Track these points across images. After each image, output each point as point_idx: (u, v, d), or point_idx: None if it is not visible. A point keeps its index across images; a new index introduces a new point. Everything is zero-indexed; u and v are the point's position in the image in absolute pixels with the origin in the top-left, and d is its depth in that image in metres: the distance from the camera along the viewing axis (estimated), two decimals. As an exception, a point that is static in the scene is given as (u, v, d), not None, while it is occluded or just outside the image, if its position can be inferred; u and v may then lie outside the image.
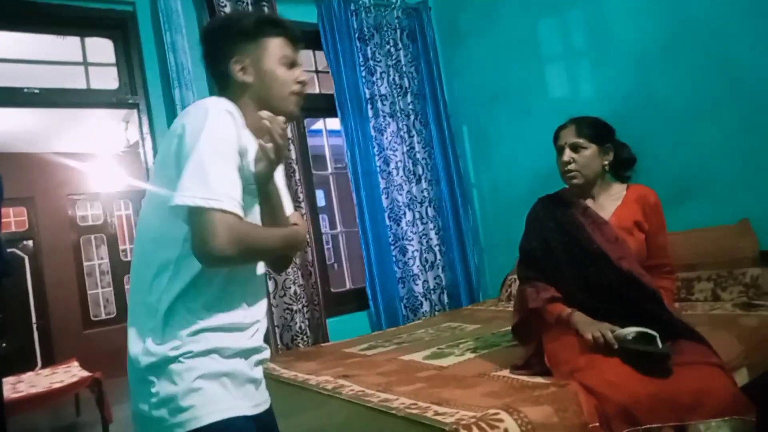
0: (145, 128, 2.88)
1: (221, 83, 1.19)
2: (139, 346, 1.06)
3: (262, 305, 1.19)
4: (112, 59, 2.99)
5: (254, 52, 1.16)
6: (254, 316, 1.15)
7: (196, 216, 0.95)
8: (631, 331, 1.51)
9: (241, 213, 0.99)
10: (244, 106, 1.14)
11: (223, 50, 1.16)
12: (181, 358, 1.02)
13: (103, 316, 7.01)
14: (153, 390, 1.02)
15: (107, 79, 3.01)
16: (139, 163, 2.98)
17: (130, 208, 7.33)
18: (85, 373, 3.72)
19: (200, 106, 1.04)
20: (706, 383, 1.42)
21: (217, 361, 1.05)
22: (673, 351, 1.48)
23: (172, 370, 1.01)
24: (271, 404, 1.23)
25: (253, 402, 1.12)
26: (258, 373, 1.16)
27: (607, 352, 1.53)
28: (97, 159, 6.75)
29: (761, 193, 2.37)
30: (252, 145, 1.12)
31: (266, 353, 1.19)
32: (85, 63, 3.06)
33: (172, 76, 2.77)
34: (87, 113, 5.14)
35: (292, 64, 1.20)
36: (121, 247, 7.24)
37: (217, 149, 0.99)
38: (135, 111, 2.93)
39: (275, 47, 1.18)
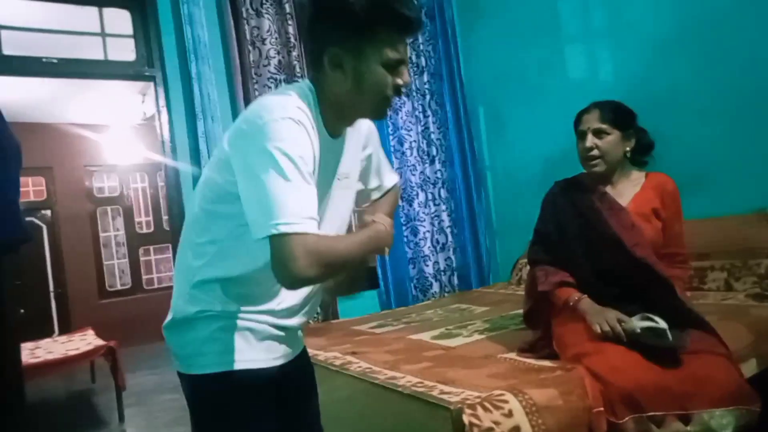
0: (162, 101, 2.89)
1: (314, 64, 1.05)
2: (178, 300, 1.11)
3: (303, 292, 1.15)
4: (130, 31, 2.99)
5: (356, 48, 1.00)
6: (290, 301, 1.12)
7: (274, 242, 0.91)
8: (640, 324, 1.49)
9: (317, 230, 0.94)
10: (326, 99, 1.05)
11: (322, 34, 1.02)
12: (204, 315, 1.07)
13: (119, 287, 7.14)
14: (180, 335, 1.10)
15: (124, 51, 3.02)
16: (155, 135, 3.00)
17: (146, 180, 7.40)
18: (100, 342, 3.81)
19: (266, 111, 0.95)
20: (711, 372, 1.42)
21: (240, 319, 1.08)
22: (681, 340, 1.47)
23: (196, 322, 1.07)
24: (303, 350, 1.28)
25: (274, 354, 1.14)
26: (284, 332, 1.16)
27: (615, 341, 1.53)
28: (114, 131, 6.81)
29: (777, 183, 2.33)
30: (323, 143, 1.04)
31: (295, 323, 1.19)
32: (103, 34, 3.07)
33: (188, 48, 2.77)
34: (104, 84, 5.17)
35: (396, 64, 1.03)
36: (137, 220, 7.34)
37: (287, 167, 0.91)
38: (152, 83, 2.95)
39: (382, 44, 1.00)
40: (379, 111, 1.09)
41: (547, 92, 3.29)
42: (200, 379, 1.08)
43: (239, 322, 1.07)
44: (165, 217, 6.85)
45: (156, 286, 7.28)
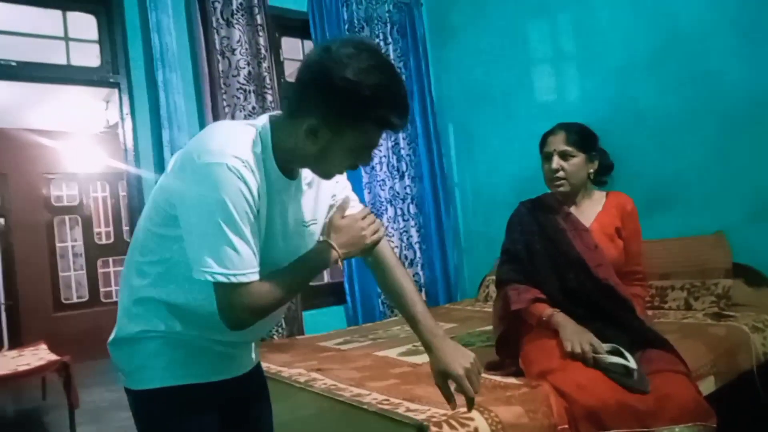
0: (126, 108, 2.82)
1: (289, 116, 1.01)
2: (120, 317, 1.10)
3: (256, 329, 1.09)
4: (95, 36, 2.91)
5: (337, 127, 0.96)
6: (238, 335, 1.06)
7: (217, 288, 0.95)
8: (610, 359, 1.50)
9: (257, 276, 0.96)
10: (283, 145, 1.00)
11: (312, 101, 0.96)
12: (147, 335, 1.06)
13: (75, 300, 6.89)
14: (124, 350, 1.09)
15: (89, 56, 2.94)
16: (118, 143, 2.92)
17: (107, 190, 7.20)
18: (53, 357, 3.65)
19: (205, 151, 0.93)
20: (671, 390, 1.45)
21: (186, 336, 1.06)
22: (644, 384, 1.47)
23: (139, 341, 1.06)
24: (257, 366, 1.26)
25: (222, 369, 1.12)
26: (233, 348, 1.14)
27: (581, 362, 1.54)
28: (75, 138, 6.61)
29: (736, 205, 2.42)
30: (275, 184, 1.01)
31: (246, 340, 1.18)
32: (66, 38, 2.98)
33: (156, 56, 2.72)
34: (66, 90, 5.02)
35: (367, 150, 1.04)
36: (96, 230, 7.12)
37: (222, 216, 0.91)
38: (116, 90, 2.87)
39: (363, 134, 0.98)
40: (327, 177, 1.08)
41: (516, 112, 3.35)
42: (146, 394, 1.06)
43: (184, 339, 1.06)
44: (126, 228, 6.66)
45: (115, 299, 7.02)
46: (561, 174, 1.77)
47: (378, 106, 0.95)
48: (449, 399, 1.11)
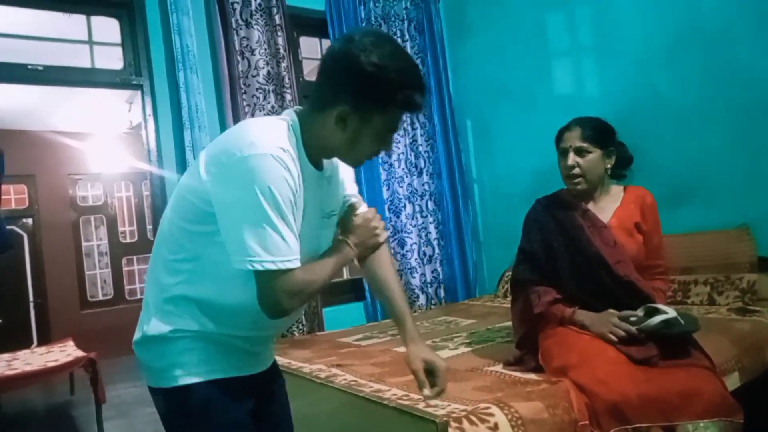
0: (149, 110, 2.87)
1: (316, 106, 1.05)
2: (148, 315, 1.10)
3: (281, 323, 1.16)
4: (118, 39, 2.97)
5: (366, 114, 1.02)
6: (265, 329, 1.14)
7: (258, 277, 0.97)
8: (654, 320, 1.52)
9: (299, 263, 1.00)
10: (312, 137, 1.05)
11: (341, 89, 1.01)
12: (179, 335, 1.07)
13: (100, 297, 7.03)
14: (154, 349, 1.09)
15: (112, 59, 3.00)
16: (141, 144, 2.98)
17: (130, 190, 7.33)
18: (80, 353, 3.73)
19: (245, 144, 0.95)
20: (695, 385, 1.44)
21: (218, 335, 1.09)
22: (693, 323, 1.53)
23: (171, 340, 1.07)
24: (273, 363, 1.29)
25: (249, 365, 1.15)
26: (259, 348, 1.18)
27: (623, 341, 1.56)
28: (99, 139, 6.74)
29: (761, 198, 2.37)
30: (308, 176, 1.05)
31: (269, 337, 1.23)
32: (91, 42, 3.05)
33: (177, 58, 2.76)
34: (90, 92, 5.12)
35: (391, 135, 1.10)
36: (120, 229, 7.25)
37: (267, 204, 0.94)
38: (139, 92, 2.93)
39: (389, 119, 1.04)
40: (357, 164, 1.15)
41: (534, 106, 3.32)
42: (179, 391, 1.06)
43: (215, 337, 1.08)
44: (149, 227, 6.77)
45: (139, 296, 7.17)
46: (577, 171, 1.76)
47: (403, 87, 1.01)
48: (423, 385, 1.15)
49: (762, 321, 2.01)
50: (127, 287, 7.18)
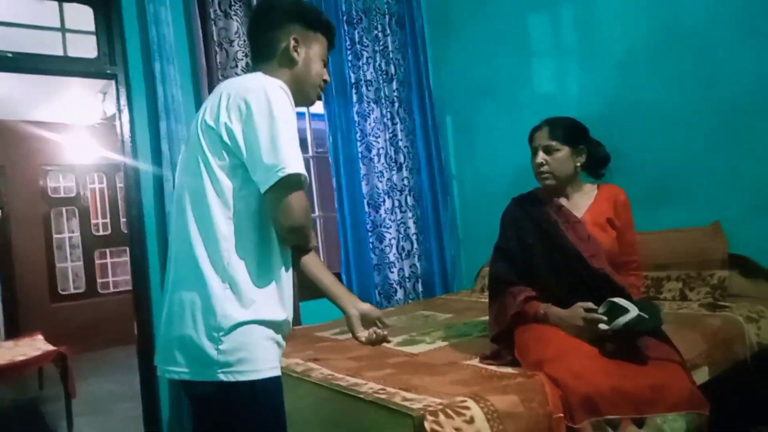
0: (123, 100, 2.81)
1: (265, 52, 1.28)
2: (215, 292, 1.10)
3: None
4: (92, 27, 2.90)
5: (308, 41, 1.29)
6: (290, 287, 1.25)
7: (286, 188, 1.07)
8: (621, 321, 1.53)
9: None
10: (285, 80, 1.20)
11: (284, 25, 1.27)
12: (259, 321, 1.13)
13: (72, 291, 6.88)
14: (234, 339, 1.10)
15: (86, 48, 2.93)
16: (115, 135, 2.91)
17: (104, 181, 7.17)
18: (50, 347, 3.65)
19: (259, 84, 1.12)
20: (665, 379, 1.48)
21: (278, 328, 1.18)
22: (659, 318, 1.56)
23: (252, 327, 1.12)
24: None
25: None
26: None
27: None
28: (72, 130, 6.58)
29: (733, 197, 2.43)
30: None
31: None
32: (63, 29, 2.97)
33: (153, 48, 2.71)
34: (63, 82, 4.99)
35: (325, 64, 1.34)
36: (93, 222, 7.09)
37: (291, 127, 1.10)
38: (113, 82, 2.86)
39: (322, 45, 1.32)
40: (313, 98, 1.34)
41: (515, 105, 3.35)
42: (252, 385, 1.09)
43: (274, 334, 1.16)
44: (123, 219, 6.65)
45: (112, 290, 7.04)
46: (546, 168, 1.82)
47: (321, 16, 1.32)
48: (360, 337, 1.36)
49: (731, 316, 2.06)
50: (99, 280, 7.04)
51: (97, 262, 7.07)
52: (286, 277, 1.21)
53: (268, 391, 1.12)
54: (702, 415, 1.45)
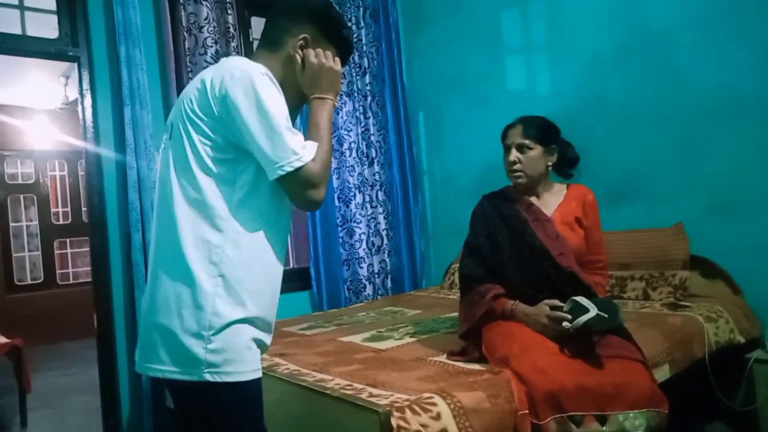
0: (86, 84, 2.70)
1: (272, 42, 1.21)
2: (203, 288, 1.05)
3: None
4: (53, 6, 2.78)
5: (317, 47, 1.20)
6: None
7: (298, 174, 1.05)
8: (583, 319, 1.55)
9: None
10: (276, 73, 1.16)
11: (301, 19, 1.20)
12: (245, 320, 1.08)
13: (29, 281, 6.64)
14: (221, 339, 1.06)
15: (46, 28, 2.80)
16: (78, 121, 2.80)
17: (65, 169, 6.94)
18: (3, 340, 3.51)
19: (242, 71, 1.06)
20: (627, 377, 1.50)
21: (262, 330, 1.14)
22: (620, 317, 1.56)
23: (239, 327, 1.08)
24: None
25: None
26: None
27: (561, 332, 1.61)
28: (32, 114, 6.34)
29: (695, 198, 2.49)
30: None
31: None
32: (22, 6, 2.84)
33: (118, 30, 2.61)
34: (21, 63, 4.78)
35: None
36: (53, 210, 6.85)
37: (281, 114, 1.06)
38: (75, 65, 2.75)
39: (330, 57, 1.23)
40: (297, 104, 1.24)
41: (486, 102, 3.36)
42: (236, 387, 1.06)
43: (264, 334, 1.13)
44: (84, 209, 6.44)
45: (72, 281, 6.82)
46: (518, 166, 1.83)
47: (343, 27, 1.26)
48: None
49: (691, 316, 2.11)
50: (59, 271, 6.81)
51: (57, 252, 6.84)
52: (279, 273, 1.16)
53: (250, 393, 1.09)
54: (661, 413, 1.48)
